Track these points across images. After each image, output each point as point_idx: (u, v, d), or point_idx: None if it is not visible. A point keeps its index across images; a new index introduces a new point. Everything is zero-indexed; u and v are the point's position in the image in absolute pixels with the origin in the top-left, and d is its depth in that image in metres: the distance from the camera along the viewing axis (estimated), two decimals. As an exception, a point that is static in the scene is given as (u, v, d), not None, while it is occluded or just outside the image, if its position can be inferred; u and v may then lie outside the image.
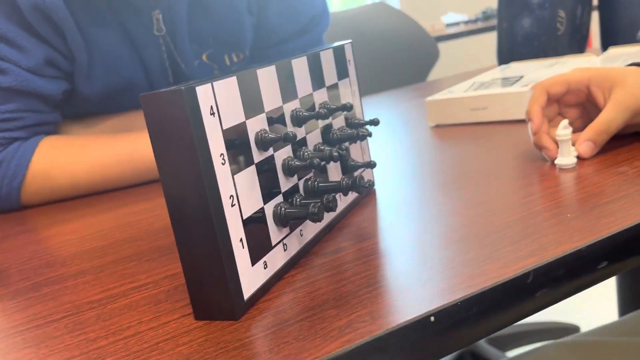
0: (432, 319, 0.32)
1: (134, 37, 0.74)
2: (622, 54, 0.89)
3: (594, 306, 1.87)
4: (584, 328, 1.67)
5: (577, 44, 1.08)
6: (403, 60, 1.64)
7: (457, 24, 3.04)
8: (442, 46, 2.34)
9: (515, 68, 0.94)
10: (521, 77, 0.83)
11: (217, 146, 0.35)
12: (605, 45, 1.12)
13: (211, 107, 0.35)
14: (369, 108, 1.06)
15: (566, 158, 0.53)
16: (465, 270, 0.37)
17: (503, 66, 1.00)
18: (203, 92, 0.34)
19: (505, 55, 1.08)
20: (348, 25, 1.59)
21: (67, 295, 0.43)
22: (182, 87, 0.33)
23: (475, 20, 3.03)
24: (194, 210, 0.34)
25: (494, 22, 2.83)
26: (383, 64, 1.63)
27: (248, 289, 0.36)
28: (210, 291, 0.35)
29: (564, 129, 0.53)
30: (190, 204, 0.34)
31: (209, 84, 0.35)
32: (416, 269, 0.38)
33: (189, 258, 0.35)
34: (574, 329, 1.65)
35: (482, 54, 2.29)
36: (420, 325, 0.32)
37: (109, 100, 0.77)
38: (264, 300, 0.37)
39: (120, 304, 0.40)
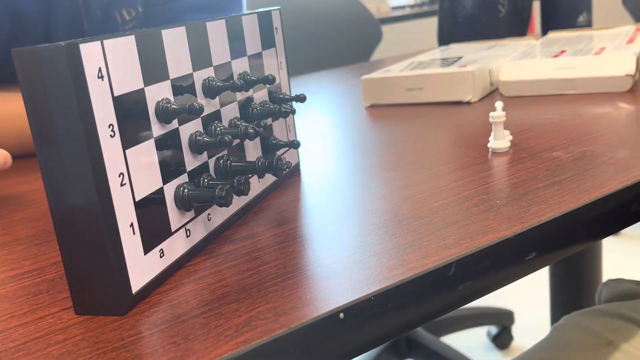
0: (341, 315, 0.29)
1: None
2: (561, 39, 0.88)
3: (527, 290, 1.90)
4: (518, 313, 1.70)
5: (518, 27, 1.07)
6: (345, 40, 1.61)
7: (402, 7, 3.02)
8: (387, 28, 2.31)
9: (454, 49, 0.92)
10: (460, 57, 0.81)
11: (104, 115, 0.30)
12: (545, 30, 1.11)
13: (99, 70, 0.30)
14: (306, 86, 1.02)
15: (499, 141, 0.50)
16: (383, 260, 0.33)
17: (443, 47, 0.97)
18: (89, 51, 0.29)
19: (446, 36, 1.06)
20: (289, 3, 1.54)
21: (-62, 283, 0.37)
22: (62, 44, 0.28)
23: (421, 4, 3.01)
24: (74, 188, 0.29)
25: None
26: (325, 43, 1.59)
27: (137, 280, 0.32)
28: (93, 282, 0.30)
29: (497, 111, 0.50)
30: (70, 181, 0.29)
31: (98, 42, 0.30)
32: (332, 258, 0.35)
33: (69, 243, 0.30)
34: (508, 314, 1.67)
35: (426, 37, 2.28)
36: (327, 323, 0.28)
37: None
38: (158, 292, 0.33)
39: (-4, 294, 0.35)
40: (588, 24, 1.10)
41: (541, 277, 1.44)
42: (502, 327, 1.66)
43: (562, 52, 0.75)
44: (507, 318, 1.67)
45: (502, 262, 0.35)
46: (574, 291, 1.20)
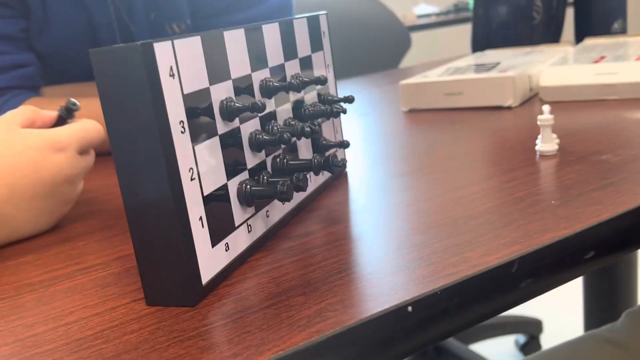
0: (410, 309, 0.29)
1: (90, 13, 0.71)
2: (598, 45, 0.88)
3: (557, 299, 1.88)
4: (547, 322, 1.68)
5: (552, 34, 1.06)
6: (375, 47, 1.61)
7: (428, 15, 3.03)
8: (413, 36, 2.32)
9: (490, 55, 0.92)
10: (498, 63, 0.81)
11: (176, 112, 0.31)
12: (579, 37, 1.11)
13: (171, 68, 0.31)
14: (340, 92, 1.03)
15: (548, 144, 0.50)
16: (444, 257, 0.34)
17: (478, 53, 0.98)
18: (162, 50, 0.30)
19: (480, 42, 1.06)
20: (319, 9, 1.55)
21: (5, 277, 0.39)
22: (139, 43, 0.29)
23: (447, 13, 3.02)
24: (148, 182, 0.30)
25: (464, 14, 2.82)
26: (355, 49, 1.60)
27: (207, 272, 0.32)
28: (164, 274, 0.31)
29: (545, 114, 0.50)
30: (144, 175, 0.30)
31: (169, 42, 0.31)
32: (391, 255, 0.35)
33: (141, 236, 0.31)
34: (536, 323, 1.65)
35: (453, 45, 2.28)
36: (397, 315, 0.29)
37: (60, 61, 0.73)
38: (224, 286, 0.34)
39: (64, 287, 0.36)
40: (623, 31, 1.10)
41: (572, 286, 1.43)
42: (530, 335, 1.65)
43: (602, 58, 0.75)
44: (535, 327, 1.66)
45: (562, 260, 0.35)
46: (608, 300, 1.18)
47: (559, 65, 0.72)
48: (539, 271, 0.34)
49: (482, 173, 0.48)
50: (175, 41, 0.31)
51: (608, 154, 0.48)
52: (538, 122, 0.50)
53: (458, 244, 0.35)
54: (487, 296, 0.32)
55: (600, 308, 1.18)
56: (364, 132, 0.71)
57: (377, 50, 1.61)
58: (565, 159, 0.49)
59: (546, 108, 0.51)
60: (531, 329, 1.66)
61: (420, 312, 0.30)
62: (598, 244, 0.36)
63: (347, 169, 0.54)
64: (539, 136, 0.51)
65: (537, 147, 0.51)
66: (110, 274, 0.37)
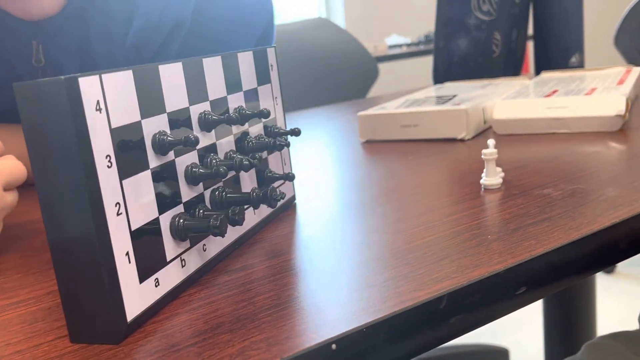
0: (334, 346, 0.29)
1: (13, 64, 0.69)
2: (554, 79, 0.90)
3: (523, 328, 1.89)
4: (514, 351, 1.68)
5: (512, 67, 1.09)
6: (343, 77, 1.63)
7: (399, 45, 3.07)
8: (384, 66, 2.35)
9: (449, 87, 0.93)
10: (454, 95, 0.82)
11: (102, 147, 0.31)
12: (539, 70, 1.13)
13: (97, 102, 0.31)
14: (302, 121, 1.03)
15: (492, 178, 0.51)
16: (376, 293, 0.34)
17: (438, 85, 0.99)
18: (87, 85, 0.30)
19: (441, 74, 1.08)
20: (287, 39, 1.57)
21: None
22: (63, 78, 0.29)
23: (418, 44, 3.06)
24: (71, 217, 0.30)
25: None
26: (322, 79, 1.61)
27: (133, 309, 0.32)
28: (88, 311, 0.31)
29: (490, 149, 0.51)
30: (67, 209, 0.30)
31: (97, 76, 0.31)
32: (326, 290, 0.35)
33: (64, 271, 0.31)
34: (503, 352, 1.66)
35: (422, 75, 2.31)
36: (319, 353, 0.29)
37: None
38: (153, 322, 0.33)
39: (-10, 323, 0.35)
40: (580, 65, 1.12)
41: (537, 313, 1.44)
42: (497, 365, 1.65)
43: (554, 91, 0.76)
44: (502, 356, 1.66)
45: (493, 296, 0.35)
46: (568, 330, 1.19)
47: (512, 99, 0.74)
48: (468, 307, 0.34)
49: (428, 205, 0.49)
50: (103, 75, 0.31)
51: (550, 188, 0.49)
52: (482, 156, 0.51)
53: (393, 278, 0.35)
54: (414, 332, 0.32)
55: (561, 339, 1.19)
56: (320, 162, 0.71)
57: (345, 80, 1.63)
58: (509, 193, 0.49)
59: (491, 142, 0.51)
60: (499, 358, 1.66)
61: (345, 349, 0.29)
62: (530, 279, 0.36)
63: (297, 201, 0.54)
64: (484, 170, 0.52)
65: (481, 181, 0.51)
66: (40, 309, 0.36)
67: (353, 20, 3.50)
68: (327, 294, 0.35)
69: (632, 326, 0.70)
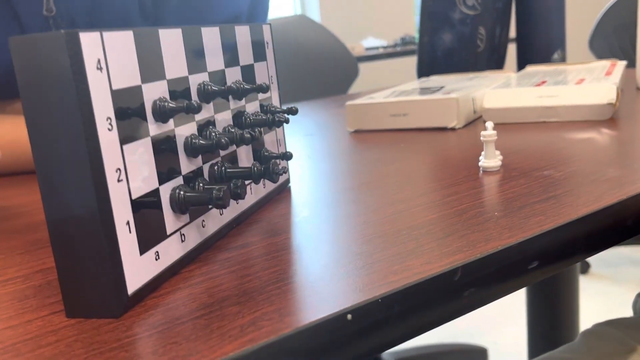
0: (349, 317, 0.28)
1: (20, 16, 0.67)
2: (539, 71, 0.90)
3: (502, 329, 1.89)
4: (492, 351, 1.69)
5: (496, 61, 1.09)
6: (324, 74, 1.62)
7: (376, 47, 3.08)
8: (361, 66, 2.35)
9: (435, 80, 0.93)
10: (442, 87, 0.82)
11: (103, 108, 0.29)
12: (521, 66, 1.14)
13: (98, 61, 0.29)
14: (287, 115, 1.02)
15: (491, 160, 0.50)
16: (386, 266, 0.32)
17: (424, 78, 0.99)
18: (89, 41, 0.28)
19: (426, 69, 1.07)
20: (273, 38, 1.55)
21: None
22: (62, 32, 0.27)
23: (394, 46, 3.07)
24: (70, 181, 0.28)
25: (411, 47, 2.88)
26: (304, 75, 1.60)
27: (134, 282, 0.30)
28: (87, 283, 0.29)
29: (489, 130, 0.50)
30: (65, 174, 0.28)
31: (97, 33, 0.29)
32: (332, 264, 0.34)
33: (62, 240, 0.29)
34: (481, 351, 1.66)
35: (399, 75, 2.31)
36: (335, 323, 0.27)
37: None
38: (153, 297, 0.31)
39: (-23, 300, 0.33)
40: (562, 60, 1.13)
41: (517, 312, 1.44)
42: (476, 364, 1.65)
43: (543, 82, 0.76)
44: (481, 355, 1.66)
45: (506, 269, 0.34)
46: (551, 327, 1.19)
47: (502, 88, 0.73)
48: (482, 280, 0.33)
49: (425, 187, 0.48)
50: (105, 33, 0.30)
51: (550, 170, 0.49)
52: (481, 138, 0.50)
53: (400, 253, 0.34)
54: (429, 305, 0.31)
55: (544, 335, 1.19)
56: (310, 150, 0.69)
57: (326, 77, 1.62)
58: (508, 175, 0.49)
59: (489, 124, 0.51)
60: (477, 358, 1.66)
61: (360, 320, 0.28)
62: (541, 253, 0.36)
63: (291, 184, 0.53)
64: (482, 152, 0.51)
65: (480, 163, 0.51)
66: (30, 287, 0.34)
67: (329, 23, 3.49)
68: (333, 269, 0.33)
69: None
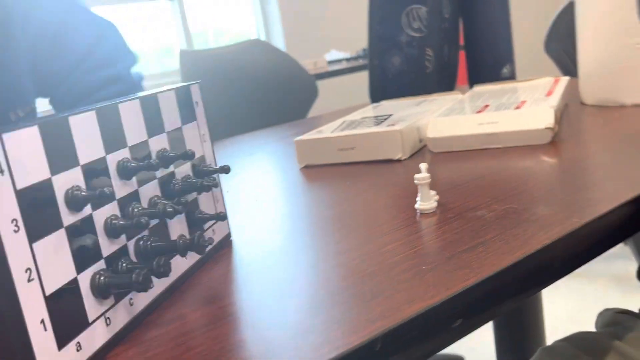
0: (265, 405, 0.28)
1: None
2: (485, 92, 0.91)
3: (476, 336, 1.91)
4: (469, 357, 1.70)
5: (446, 81, 1.10)
6: (282, 98, 1.62)
7: (339, 60, 3.09)
8: (325, 83, 2.36)
9: (385, 106, 0.94)
10: (390, 115, 0.83)
11: (7, 211, 0.29)
12: (472, 82, 1.15)
13: (-1, 165, 0.29)
14: (241, 146, 1.02)
15: (426, 202, 0.51)
16: (310, 339, 0.33)
17: (375, 104, 0.99)
18: (-14, 147, 0.28)
19: (378, 92, 1.08)
20: (224, 61, 1.55)
21: None
22: (-43, 142, 0.27)
23: (357, 58, 3.09)
24: (-25, 291, 0.28)
25: (374, 59, 2.90)
26: (262, 101, 1.60)
27: (51, 380, 0.30)
28: (1, 387, 0.29)
29: (422, 173, 0.51)
30: (-30, 283, 0.28)
31: (-4, 137, 0.29)
32: (261, 339, 0.34)
33: (-28, 348, 0.28)
34: (458, 359, 1.67)
35: (362, 89, 2.33)
36: (249, 415, 0.27)
37: None
38: (75, 391, 0.31)
39: None
40: (512, 75, 1.15)
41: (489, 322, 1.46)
42: (454, 374, 1.66)
43: (486, 106, 0.77)
44: (459, 365, 1.67)
45: (429, 331, 0.35)
46: (517, 335, 1.21)
47: (445, 117, 0.74)
48: (405, 345, 0.33)
49: (365, 236, 0.48)
50: (4, 135, 0.29)
51: (483, 210, 0.49)
52: (415, 182, 0.51)
53: (328, 321, 0.35)
54: (350, 380, 0.31)
55: (512, 345, 1.20)
56: (259, 191, 0.70)
57: (285, 100, 1.63)
58: (444, 216, 0.49)
59: (423, 166, 0.51)
60: (455, 367, 1.67)
61: (277, 406, 0.28)
62: (466, 309, 0.36)
63: (233, 237, 0.53)
64: (419, 194, 0.51)
65: (416, 206, 0.51)
66: (-48, 385, 0.34)
67: (292, 38, 3.51)
68: (261, 344, 0.33)
69: (582, 323, 0.72)
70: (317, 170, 0.74)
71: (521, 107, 0.73)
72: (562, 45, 1.95)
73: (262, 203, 0.64)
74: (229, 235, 0.52)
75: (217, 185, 0.45)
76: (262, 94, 1.59)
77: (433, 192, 0.52)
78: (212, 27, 3.63)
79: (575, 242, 0.43)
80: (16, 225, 0.29)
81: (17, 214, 0.29)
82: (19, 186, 0.30)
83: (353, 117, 0.86)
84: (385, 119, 0.80)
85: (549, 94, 0.79)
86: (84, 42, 0.87)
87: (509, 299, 0.39)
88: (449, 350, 1.72)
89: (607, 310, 0.71)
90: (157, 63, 3.47)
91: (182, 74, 1.61)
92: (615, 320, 0.68)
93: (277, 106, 1.60)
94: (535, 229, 0.43)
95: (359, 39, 3.38)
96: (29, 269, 0.30)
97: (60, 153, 0.33)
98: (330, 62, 3.06)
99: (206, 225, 0.48)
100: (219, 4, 3.60)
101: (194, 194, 0.47)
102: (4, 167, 0.29)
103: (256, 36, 3.64)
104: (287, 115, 1.56)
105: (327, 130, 0.79)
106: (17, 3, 0.79)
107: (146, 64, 3.41)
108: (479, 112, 0.74)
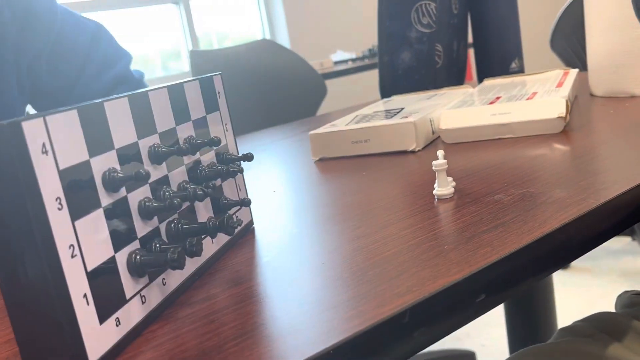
0: (302, 371, 0.29)
1: None
2: (496, 85, 0.92)
3: (489, 330, 1.91)
4: (481, 353, 1.70)
5: (455, 76, 1.11)
6: (291, 96, 1.64)
7: (345, 61, 3.11)
8: (332, 82, 2.37)
9: (396, 101, 0.95)
10: (402, 109, 0.84)
11: (51, 189, 0.30)
12: (481, 77, 1.16)
13: (43, 145, 0.30)
14: (255, 143, 1.03)
15: (443, 188, 0.52)
16: (340, 313, 0.34)
17: (385, 99, 1.01)
18: (32, 128, 0.30)
19: (388, 88, 1.09)
20: (233, 61, 1.57)
21: None
22: (5, 123, 0.28)
23: (363, 58, 3.11)
24: (24, 263, 0.29)
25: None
26: (272, 100, 1.62)
27: (95, 351, 0.31)
28: (48, 356, 0.30)
29: (439, 160, 0.52)
30: (20, 257, 0.29)
31: (41, 119, 0.30)
32: (290, 314, 0.35)
33: (22, 320, 0.30)
34: (470, 355, 1.68)
35: (369, 89, 2.34)
36: (287, 380, 0.29)
37: None
38: (115, 363, 0.32)
39: (-55, 379, 0.34)
40: (520, 69, 1.16)
41: (498, 318, 1.46)
42: (465, 370, 1.67)
43: (498, 98, 0.78)
44: (469, 359, 1.68)
45: (454, 305, 0.36)
46: (530, 327, 1.22)
47: (457, 108, 0.75)
48: (431, 319, 0.34)
49: (384, 220, 0.49)
50: (48, 117, 0.31)
51: (501, 194, 0.50)
52: (433, 168, 0.52)
53: (355, 297, 0.36)
54: (379, 349, 0.32)
55: (524, 337, 1.21)
56: (275, 183, 0.71)
57: (294, 99, 1.64)
58: (461, 201, 0.50)
59: (440, 153, 0.53)
60: (466, 363, 1.68)
61: (313, 373, 0.29)
62: (488, 285, 0.37)
63: (255, 225, 0.54)
64: (436, 180, 0.53)
65: (434, 192, 0.52)
66: (-4, 361, 0.35)
67: (297, 39, 3.52)
68: (290, 319, 0.34)
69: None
70: (331, 163, 0.76)
71: (533, 98, 0.74)
72: (567, 42, 1.96)
73: (279, 193, 0.66)
74: (251, 222, 0.53)
75: (242, 171, 0.46)
76: (271, 92, 1.60)
77: (450, 179, 0.53)
78: (217, 29, 3.65)
79: (592, 222, 0.44)
80: (60, 204, 0.31)
81: (60, 193, 0.31)
82: (62, 166, 0.31)
83: (365, 112, 0.88)
84: (398, 112, 0.81)
85: (559, 85, 0.80)
86: (79, 50, 0.90)
87: (529, 277, 0.40)
88: (460, 346, 1.73)
89: (625, 292, 0.73)
90: (163, 67, 3.49)
91: (192, 74, 1.63)
92: (633, 301, 0.69)
93: (286, 105, 1.61)
94: (553, 210, 0.44)
95: (364, 40, 3.39)
96: (72, 245, 0.31)
97: (97, 136, 0.34)
98: (337, 63, 3.07)
99: (231, 212, 0.49)
100: (224, 6, 3.62)
101: (218, 181, 0.48)
102: (48, 147, 0.30)
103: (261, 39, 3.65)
104: (297, 113, 1.57)
105: (341, 124, 0.80)
106: (9, 32, 0.81)
107: (152, 68, 3.43)
108: (491, 103, 0.75)
